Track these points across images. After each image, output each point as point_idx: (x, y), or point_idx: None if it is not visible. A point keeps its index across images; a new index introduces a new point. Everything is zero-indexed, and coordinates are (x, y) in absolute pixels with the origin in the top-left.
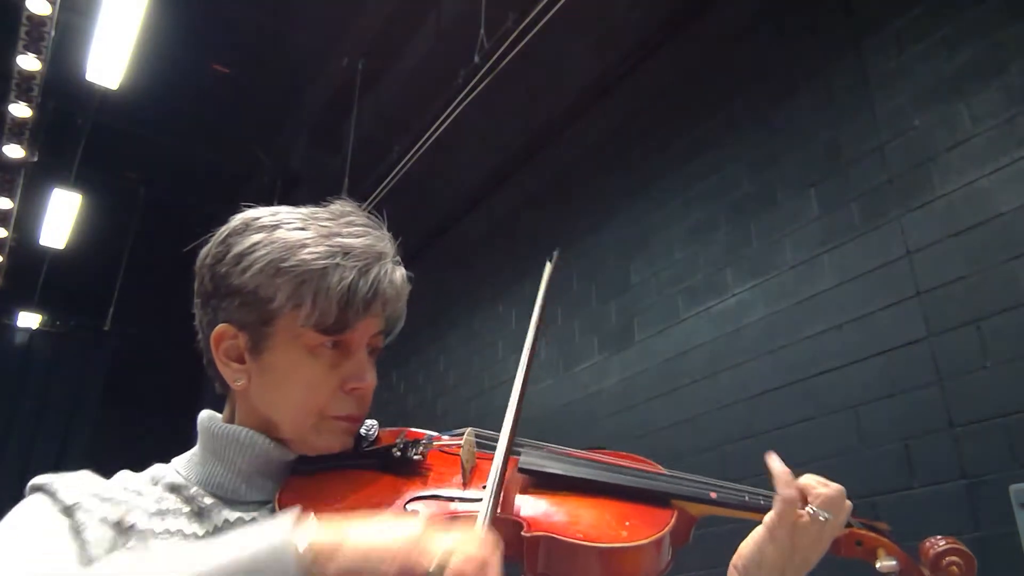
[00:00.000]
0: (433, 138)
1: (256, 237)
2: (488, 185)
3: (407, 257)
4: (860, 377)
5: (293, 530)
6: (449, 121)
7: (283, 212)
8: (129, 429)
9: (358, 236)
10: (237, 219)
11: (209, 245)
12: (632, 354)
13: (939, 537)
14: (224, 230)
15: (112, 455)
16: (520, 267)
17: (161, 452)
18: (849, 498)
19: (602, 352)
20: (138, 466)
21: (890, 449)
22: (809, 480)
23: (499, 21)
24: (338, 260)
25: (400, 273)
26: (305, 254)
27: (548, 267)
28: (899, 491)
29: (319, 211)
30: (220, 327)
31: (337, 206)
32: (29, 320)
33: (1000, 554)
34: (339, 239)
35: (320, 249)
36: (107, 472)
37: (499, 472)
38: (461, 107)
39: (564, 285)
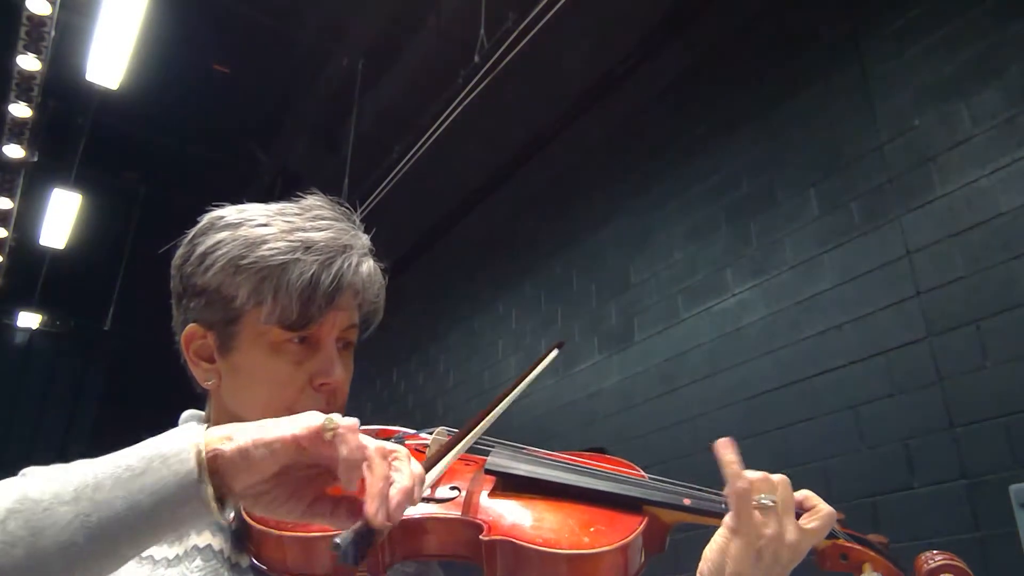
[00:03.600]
0: (433, 138)
1: (220, 235)
2: (488, 185)
3: (408, 257)
4: (860, 377)
5: (190, 431)
6: (449, 121)
7: (250, 209)
8: (129, 429)
9: (322, 229)
10: (205, 218)
11: (181, 246)
12: (632, 354)
13: (935, 552)
14: (193, 230)
15: None
16: (520, 267)
17: None
18: (849, 499)
19: (602, 352)
20: None
21: (890, 449)
22: (762, 474)
23: (499, 21)
24: (298, 255)
25: (368, 265)
26: (264, 250)
27: (549, 356)
28: (899, 491)
29: (288, 206)
30: (189, 327)
31: (308, 200)
32: (29, 320)
33: (1000, 554)
34: (301, 233)
35: (280, 244)
36: None
37: (450, 450)
38: (461, 107)
39: (564, 285)
